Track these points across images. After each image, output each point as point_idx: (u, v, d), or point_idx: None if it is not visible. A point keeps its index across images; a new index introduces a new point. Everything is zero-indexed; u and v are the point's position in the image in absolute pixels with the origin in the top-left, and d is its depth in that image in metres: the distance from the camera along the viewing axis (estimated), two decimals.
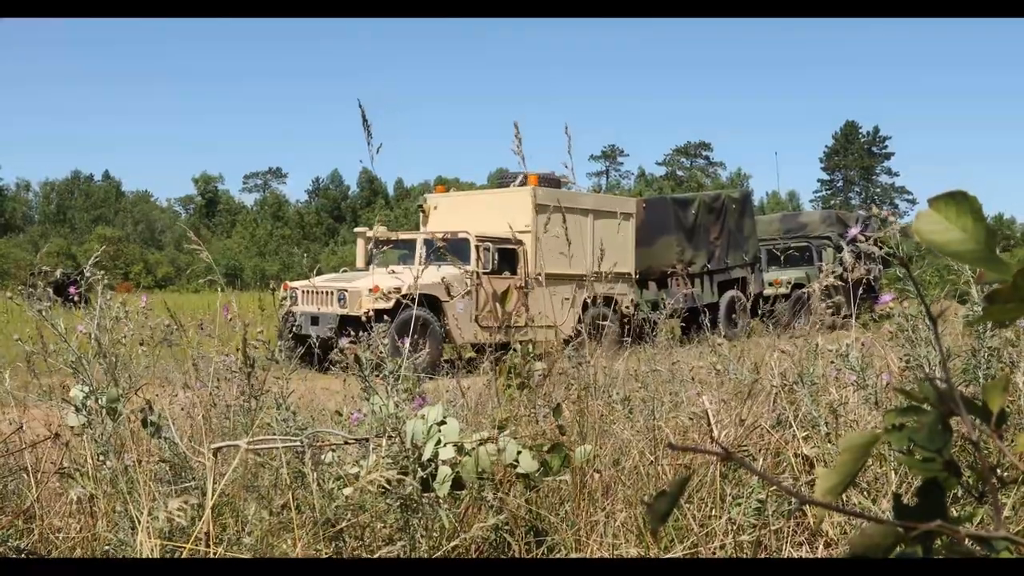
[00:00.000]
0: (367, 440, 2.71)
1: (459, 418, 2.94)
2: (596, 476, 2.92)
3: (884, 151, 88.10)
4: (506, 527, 2.68)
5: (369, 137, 3.27)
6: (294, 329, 11.01)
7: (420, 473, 2.53)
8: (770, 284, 18.42)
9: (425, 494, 2.54)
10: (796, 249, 20.20)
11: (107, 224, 68.88)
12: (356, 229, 15.72)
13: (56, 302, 3.16)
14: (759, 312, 12.39)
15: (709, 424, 3.04)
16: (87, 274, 3.22)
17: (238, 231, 72.82)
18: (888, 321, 3.24)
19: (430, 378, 6.66)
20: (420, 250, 13.55)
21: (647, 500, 0.74)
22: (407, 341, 3.50)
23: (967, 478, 2.29)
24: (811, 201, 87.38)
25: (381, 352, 2.89)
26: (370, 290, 11.89)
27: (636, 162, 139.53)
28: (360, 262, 14.77)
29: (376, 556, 2.47)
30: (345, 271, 13.78)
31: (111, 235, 57.41)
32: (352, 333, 3.94)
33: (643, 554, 2.65)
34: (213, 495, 2.40)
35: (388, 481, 2.47)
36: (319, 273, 9.43)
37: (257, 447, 2.81)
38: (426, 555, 2.49)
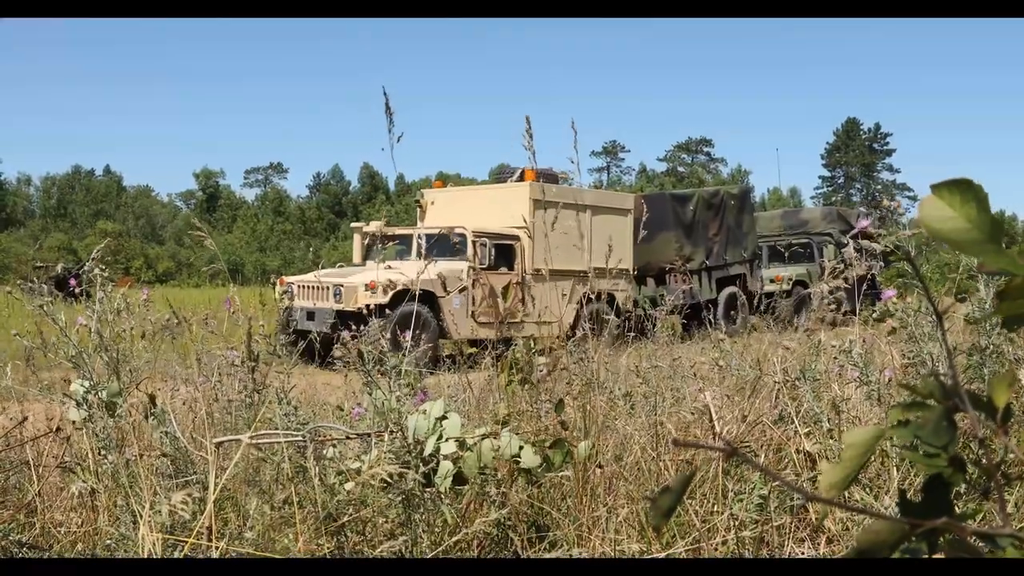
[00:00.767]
0: (369, 435, 2.71)
1: (461, 413, 2.94)
2: (598, 471, 2.92)
3: (885, 148, 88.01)
4: (508, 522, 2.68)
5: (391, 125, 3.27)
6: (290, 325, 11.01)
7: (422, 468, 2.53)
8: (771, 280, 18.39)
9: (427, 489, 2.54)
10: (797, 245, 20.20)
11: (108, 219, 68.86)
12: (353, 224, 15.72)
13: (57, 297, 3.16)
14: (759, 308, 12.38)
15: (711, 420, 3.04)
16: (88, 268, 3.22)
17: (239, 226, 72.81)
18: (890, 317, 3.23)
19: (431, 373, 6.66)
20: (418, 245, 13.48)
21: (651, 496, 0.73)
22: (408, 335, 3.50)
23: (970, 474, 2.28)
24: (812, 197, 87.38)
25: (383, 347, 2.89)
26: (366, 285, 11.87)
27: (637, 158, 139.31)
28: (357, 257, 14.75)
29: (378, 551, 2.47)
30: (341, 266, 13.71)
31: (112, 230, 57.39)
32: (353, 328, 3.93)
33: (645, 550, 2.64)
34: (215, 489, 2.39)
35: (390, 476, 2.47)
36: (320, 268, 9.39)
37: (259, 441, 2.80)
38: (428, 550, 2.49)
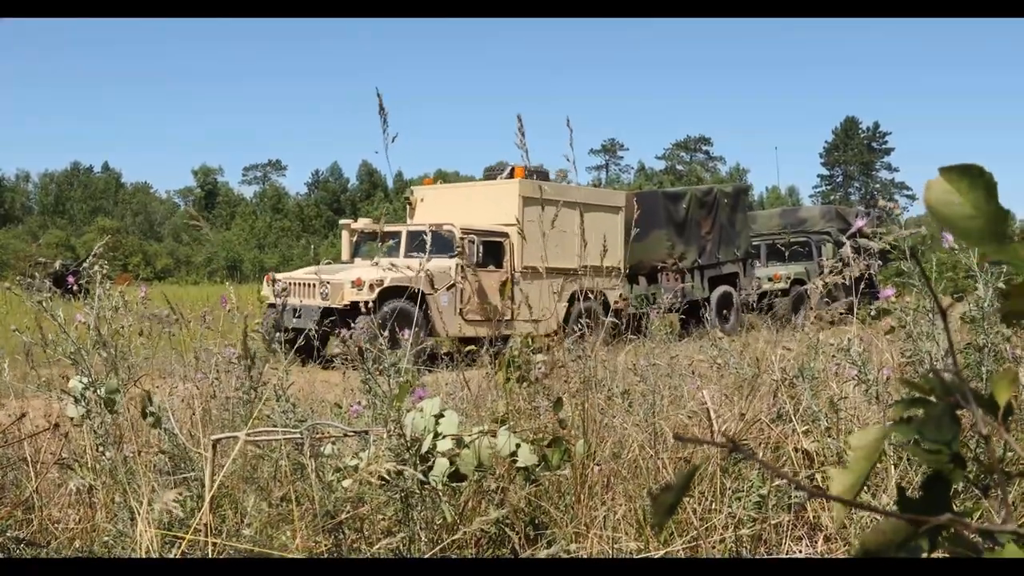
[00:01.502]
0: (366, 432, 2.71)
1: (459, 411, 2.93)
2: (596, 470, 2.91)
3: (884, 147, 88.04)
4: (506, 521, 2.68)
5: (385, 126, 3.26)
6: (280, 323, 10.91)
7: (420, 466, 2.53)
8: (769, 279, 18.37)
9: (425, 486, 2.54)
10: (796, 244, 20.18)
11: (106, 216, 68.81)
12: (342, 221, 15.56)
13: (55, 293, 3.15)
14: (755, 307, 12.34)
15: (709, 418, 3.04)
16: (88, 265, 3.21)
17: (237, 223, 72.71)
18: (888, 316, 3.23)
19: (429, 371, 6.65)
20: (407, 242, 13.35)
21: (652, 493, 0.73)
22: (407, 333, 3.49)
23: (969, 471, 2.29)
24: (811, 196, 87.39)
25: (379, 344, 2.88)
26: (353, 282, 11.78)
27: (636, 156, 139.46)
28: (346, 254, 14.63)
29: (375, 548, 2.47)
30: (329, 263, 13.61)
31: (110, 227, 57.35)
32: (350, 324, 3.92)
33: (643, 548, 2.64)
34: (212, 486, 2.39)
35: (388, 473, 2.47)
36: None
37: (256, 439, 2.80)
38: (426, 547, 2.49)
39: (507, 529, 2.68)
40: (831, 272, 3.57)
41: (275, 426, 2.92)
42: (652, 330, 5.51)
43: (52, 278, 3.28)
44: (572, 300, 13.31)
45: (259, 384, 3.16)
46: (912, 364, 3.19)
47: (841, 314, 4.05)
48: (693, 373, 4.70)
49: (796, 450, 3.09)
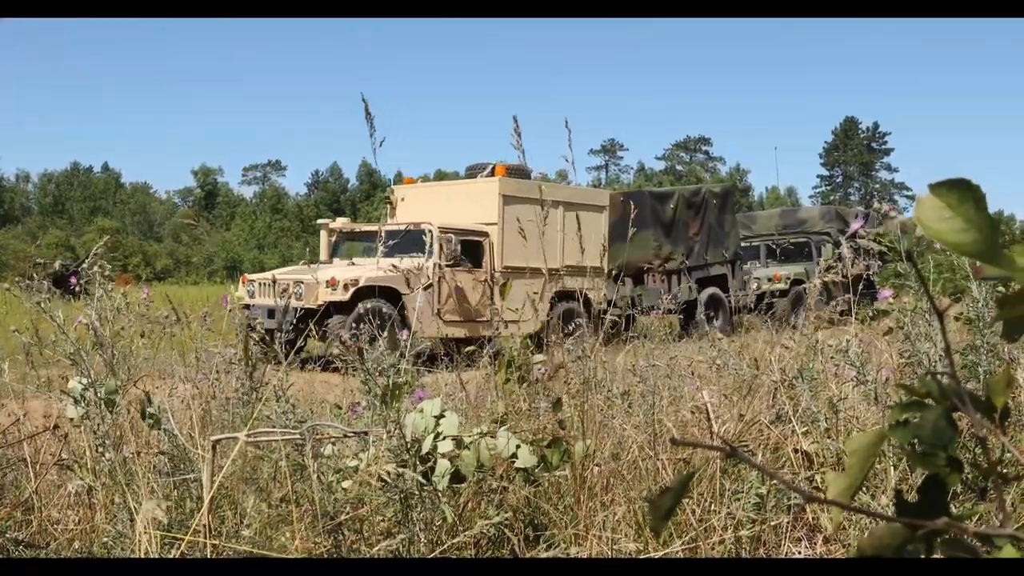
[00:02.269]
0: (366, 433, 2.71)
1: (459, 412, 2.93)
2: (595, 471, 2.92)
3: (884, 147, 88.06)
4: (506, 522, 2.68)
5: (372, 130, 3.26)
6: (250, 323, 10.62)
7: (420, 467, 2.53)
8: (769, 279, 18.35)
9: (424, 488, 2.54)
10: (795, 244, 20.18)
11: (105, 216, 68.80)
12: (319, 221, 15.31)
13: (55, 294, 3.15)
14: (754, 307, 12.32)
15: (709, 419, 3.04)
16: (88, 265, 3.21)
17: (237, 223, 72.68)
18: (887, 317, 3.23)
19: (428, 371, 6.65)
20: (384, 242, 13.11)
21: (650, 497, 0.73)
22: (406, 334, 3.49)
23: (966, 474, 2.29)
24: (810, 197, 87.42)
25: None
26: (327, 282, 11.64)
27: (636, 156, 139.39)
28: (323, 254, 14.40)
29: (375, 549, 2.47)
30: (304, 263, 13.49)
31: (110, 227, 57.35)
32: (345, 324, 3.91)
33: (642, 549, 2.64)
34: (212, 487, 2.39)
35: (388, 474, 2.47)
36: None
37: (256, 440, 2.80)
38: (426, 549, 2.49)
39: (507, 530, 2.68)
40: (828, 270, 3.57)
41: (275, 427, 2.92)
42: (643, 331, 5.50)
43: (52, 278, 3.29)
44: (554, 301, 13.13)
45: (259, 385, 3.16)
46: (911, 365, 3.19)
47: (841, 314, 4.05)
48: (693, 374, 4.71)
49: (795, 451, 3.10)
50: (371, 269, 12.10)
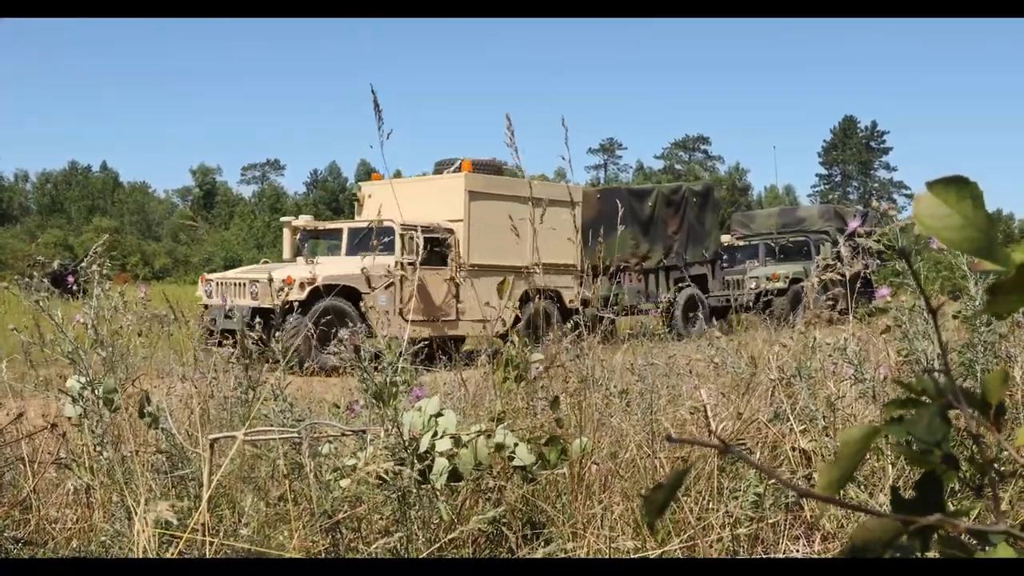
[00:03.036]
0: (364, 431, 2.71)
1: (457, 410, 2.94)
2: (594, 469, 2.92)
3: (882, 146, 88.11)
4: (503, 520, 2.68)
5: (380, 123, 3.25)
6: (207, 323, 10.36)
7: (417, 465, 2.53)
8: (768, 278, 18.35)
9: (422, 486, 2.54)
10: (794, 243, 20.19)
11: (103, 215, 68.78)
12: (282, 219, 14.98)
13: (53, 293, 3.15)
14: (752, 306, 12.29)
15: (706, 417, 3.04)
16: (87, 265, 3.21)
17: (236, 223, 72.63)
18: (885, 315, 3.24)
19: (427, 370, 6.65)
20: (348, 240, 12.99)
21: (643, 493, 0.74)
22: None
23: (964, 471, 2.29)
24: (809, 195, 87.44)
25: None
26: (283, 282, 11.36)
27: (635, 156, 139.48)
28: (287, 253, 14.08)
29: (373, 548, 2.47)
30: (266, 262, 13.12)
31: (108, 226, 57.33)
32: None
33: (640, 547, 2.65)
34: (210, 486, 2.39)
35: (385, 473, 2.47)
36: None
37: (254, 438, 2.80)
38: (423, 547, 2.49)
39: (504, 528, 2.68)
40: (826, 268, 3.58)
41: (272, 426, 2.92)
42: (625, 332, 5.47)
43: (50, 278, 3.28)
44: (524, 299, 12.83)
45: (257, 384, 3.16)
46: (908, 363, 3.20)
47: (841, 312, 4.05)
48: (691, 372, 4.71)
49: (793, 449, 3.10)
50: (331, 268, 11.94)
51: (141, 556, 2.28)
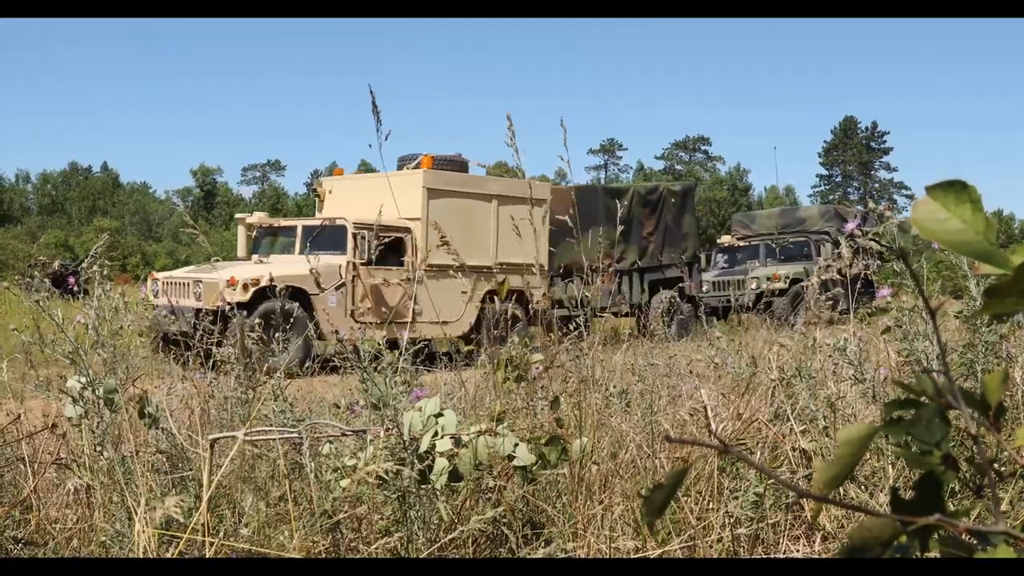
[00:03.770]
0: (364, 432, 2.71)
1: (457, 411, 2.94)
2: (594, 469, 2.92)
3: (883, 146, 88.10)
4: (504, 520, 2.68)
5: (378, 124, 3.24)
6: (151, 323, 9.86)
7: (418, 465, 2.53)
8: (768, 279, 18.35)
9: (422, 486, 2.54)
10: (794, 244, 20.20)
11: (104, 215, 68.83)
12: (236, 215, 14.53)
13: (54, 293, 3.15)
14: (751, 307, 12.26)
15: (707, 418, 3.04)
16: (87, 265, 3.21)
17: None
18: (885, 315, 3.24)
19: (428, 370, 6.65)
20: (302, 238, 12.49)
21: (643, 492, 0.74)
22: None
23: (964, 472, 2.29)
24: (809, 196, 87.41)
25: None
26: (227, 282, 10.97)
27: (635, 156, 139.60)
28: (241, 251, 13.61)
29: (373, 548, 2.47)
30: (217, 260, 12.75)
31: (108, 227, 57.37)
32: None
33: (640, 547, 2.65)
34: (210, 486, 2.39)
35: (386, 473, 2.47)
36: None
37: (254, 438, 2.80)
38: (423, 547, 2.49)
39: (504, 528, 2.68)
40: (827, 268, 3.58)
41: (273, 426, 2.93)
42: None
43: (51, 278, 3.28)
44: (486, 300, 12.53)
45: (257, 384, 3.17)
46: (909, 364, 3.20)
47: (842, 313, 4.05)
48: (691, 372, 4.72)
49: (794, 449, 3.10)
50: (279, 268, 11.61)
51: (141, 556, 2.29)
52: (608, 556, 2.62)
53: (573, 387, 3.47)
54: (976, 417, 0.85)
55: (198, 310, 10.36)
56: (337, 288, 11.66)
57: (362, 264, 11.95)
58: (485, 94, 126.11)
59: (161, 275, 12.43)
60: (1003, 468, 2.66)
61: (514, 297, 12.27)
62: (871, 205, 2.79)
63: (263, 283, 11.04)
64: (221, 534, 2.54)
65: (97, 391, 2.90)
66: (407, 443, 2.55)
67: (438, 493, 2.56)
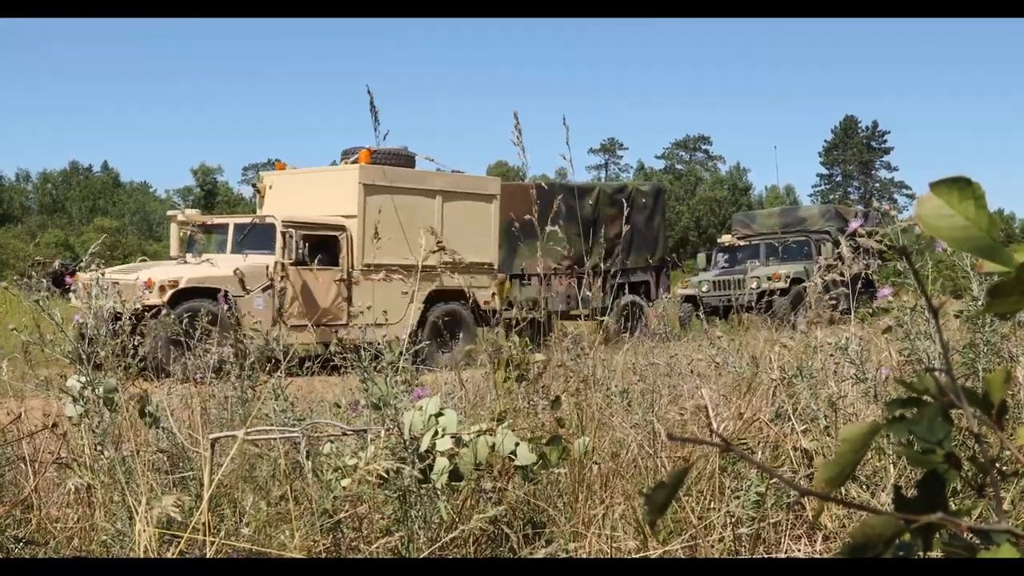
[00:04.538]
0: (365, 431, 2.71)
1: (457, 410, 2.94)
2: (595, 468, 2.92)
3: (883, 146, 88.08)
4: (504, 519, 2.68)
5: (376, 123, 3.24)
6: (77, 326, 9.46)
7: (418, 464, 2.53)
8: (768, 278, 18.33)
9: (423, 485, 2.54)
10: (795, 243, 20.19)
11: (104, 215, 68.81)
12: (168, 212, 13.92)
13: (54, 292, 3.15)
14: (752, 307, 12.23)
15: (708, 417, 3.04)
16: (86, 266, 3.21)
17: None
18: (886, 315, 3.23)
19: (429, 370, 6.65)
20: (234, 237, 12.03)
21: (645, 491, 0.73)
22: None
23: (967, 471, 2.29)
24: (810, 195, 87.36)
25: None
26: (144, 284, 10.31)
27: (636, 155, 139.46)
28: (174, 250, 13.04)
29: (374, 547, 2.47)
30: (143, 260, 12.03)
31: (109, 226, 57.36)
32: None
33: (641, 547, 2.65)
34: (211, 485, 2.39)
35: (386, 472, 2.47)
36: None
37: (255, 438, 2.80)
38: (424, 546, 2.49)
39: (505, 528, 2.68)
40: (828, 268, 3.58)
41: (273, 425, 2.92)
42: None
43: (51, 278, 3.28)
44: (430, 301, 12.14)
45: (257, 383, 3.16)
46: (910, 363, 3.20)
47: (843, 312, 4.05)
48: (692, 372, 4.71)
49: (795, 449, 3.09)
50: (201, 269, 11.26)
51: (142, 556, 2.28)
52: (609, 556, 2.61)
53: (574, 387, 3.47)
54: (978, 416, 0.85)
55: (116, 314, 10.16)
56: (264, 290, 11.18)
57: (291, 264, 11.50)
58: (485, 94, 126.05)
59: (83, 276, 12.14)
60: (1006, 467, 2.65)
61: (471, 300, 11.63)
62: (874, 204, 2.80)
63: (181, 285, 10.69)
64: (222, 533, 2.54)
65: (97, 391, 2.90)
66: (408, 442, 2.54)
67: (439, 492, 2.56)
